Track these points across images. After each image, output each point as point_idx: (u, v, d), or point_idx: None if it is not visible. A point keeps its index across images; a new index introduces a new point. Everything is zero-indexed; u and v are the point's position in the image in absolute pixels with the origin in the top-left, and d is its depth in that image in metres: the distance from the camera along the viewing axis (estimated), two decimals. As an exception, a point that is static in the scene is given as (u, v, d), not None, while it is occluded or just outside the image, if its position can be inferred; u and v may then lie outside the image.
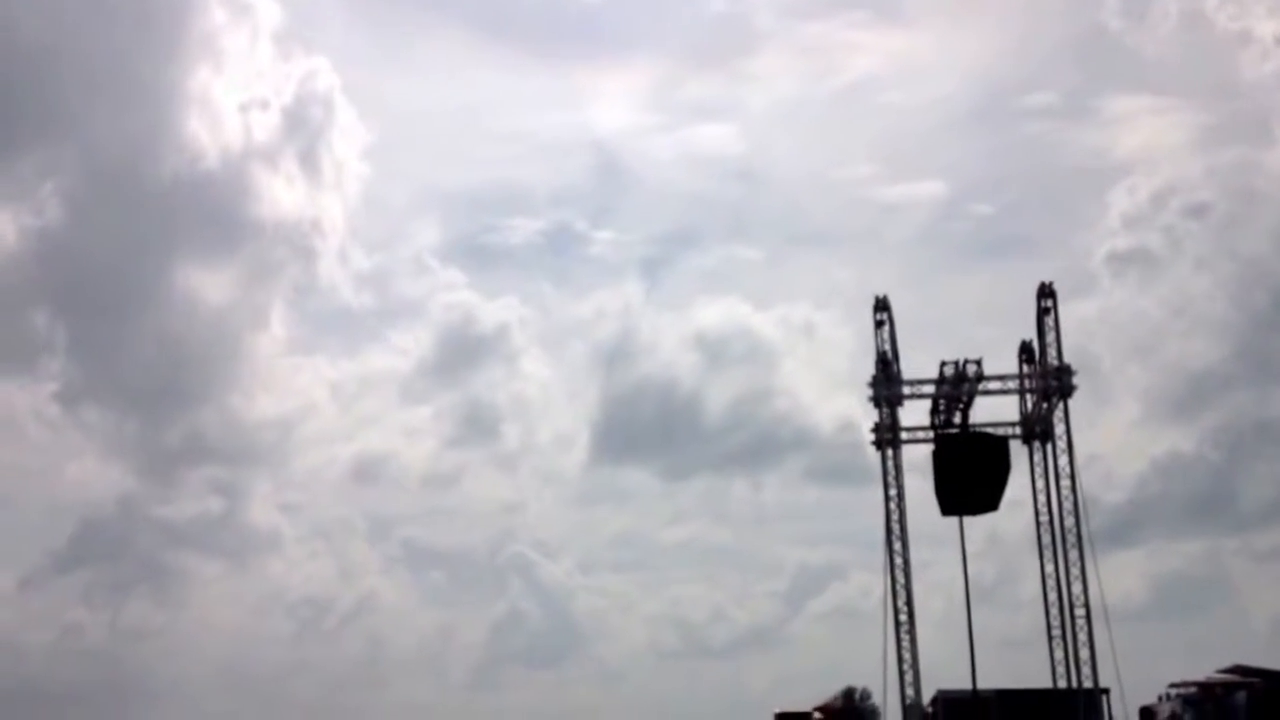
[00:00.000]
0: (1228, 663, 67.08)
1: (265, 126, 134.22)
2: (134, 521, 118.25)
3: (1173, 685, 65.16)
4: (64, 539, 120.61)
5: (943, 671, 57.58)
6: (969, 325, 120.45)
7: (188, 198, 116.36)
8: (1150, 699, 65.11)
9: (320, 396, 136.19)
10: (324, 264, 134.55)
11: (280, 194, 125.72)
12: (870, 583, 63.28)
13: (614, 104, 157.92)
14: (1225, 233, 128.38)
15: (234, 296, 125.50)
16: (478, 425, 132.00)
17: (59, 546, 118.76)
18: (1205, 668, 67.30)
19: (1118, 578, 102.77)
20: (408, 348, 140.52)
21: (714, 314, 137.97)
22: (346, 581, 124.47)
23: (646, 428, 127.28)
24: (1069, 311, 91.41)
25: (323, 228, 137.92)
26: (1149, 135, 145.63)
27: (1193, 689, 64.40)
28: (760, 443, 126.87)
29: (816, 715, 52.66)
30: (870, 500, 56.32)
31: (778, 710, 57.21)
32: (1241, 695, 62.22)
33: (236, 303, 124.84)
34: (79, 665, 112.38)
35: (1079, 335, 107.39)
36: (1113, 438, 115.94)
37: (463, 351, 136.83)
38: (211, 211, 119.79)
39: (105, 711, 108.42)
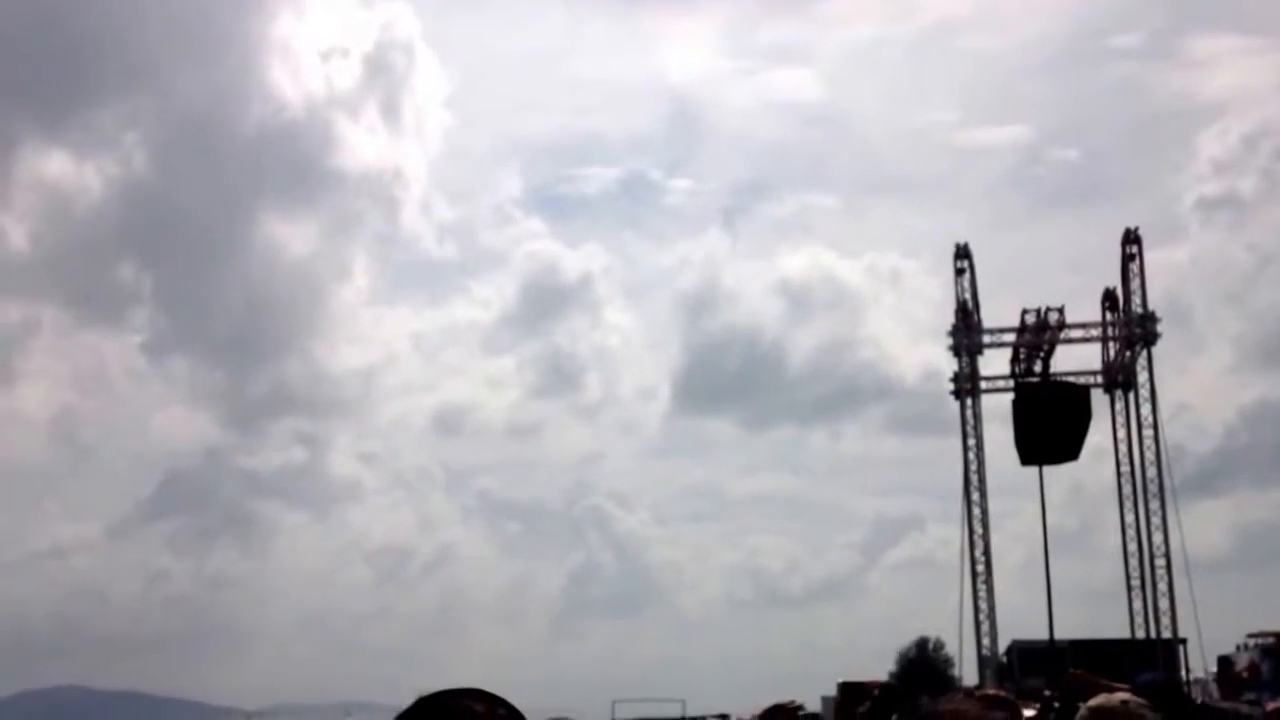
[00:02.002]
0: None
1: (347, 75, 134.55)
2: (219, 471, 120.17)
3: (1250, 635, 64.77)
4: (150, 489, 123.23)
5: (1021, 623, 57.52)
6: (1053, 273, 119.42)
7: (271, 148, 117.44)
8: (1231, 649, 64.77)
9: (402, 347, 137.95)
10: (406, 214, 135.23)
11: (362, 143, 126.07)
12: (949, 534, 63.03)
13: (688, 49, 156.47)
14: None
15: (317, 247, 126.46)
16: (560, 375, 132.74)
17: (146, 496, 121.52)
18: (1286, 618, 66.74)
19: (1203, 527, 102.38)
20: (490, 298, 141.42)
21: (798, 262, 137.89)
22: (426, 531, 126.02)
23: (728, 378, 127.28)
24: (1157, 258, 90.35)
25: (405, 177, 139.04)
26: (1239, 76, 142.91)
27: (1270, 639, 63.97)
28: (842, 392, 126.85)
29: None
30: (951, 450, 56.13)
31: (841, 680, 56.78)
32: (1321, 646, 61.56)
33: (319, 253, 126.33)
34: (165, 611, 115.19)
35: (1168, 282, 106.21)
36: (1201, 386, 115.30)
37: (545, 301, 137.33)
38: (294, 161, 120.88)
39: (190, 655, 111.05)
